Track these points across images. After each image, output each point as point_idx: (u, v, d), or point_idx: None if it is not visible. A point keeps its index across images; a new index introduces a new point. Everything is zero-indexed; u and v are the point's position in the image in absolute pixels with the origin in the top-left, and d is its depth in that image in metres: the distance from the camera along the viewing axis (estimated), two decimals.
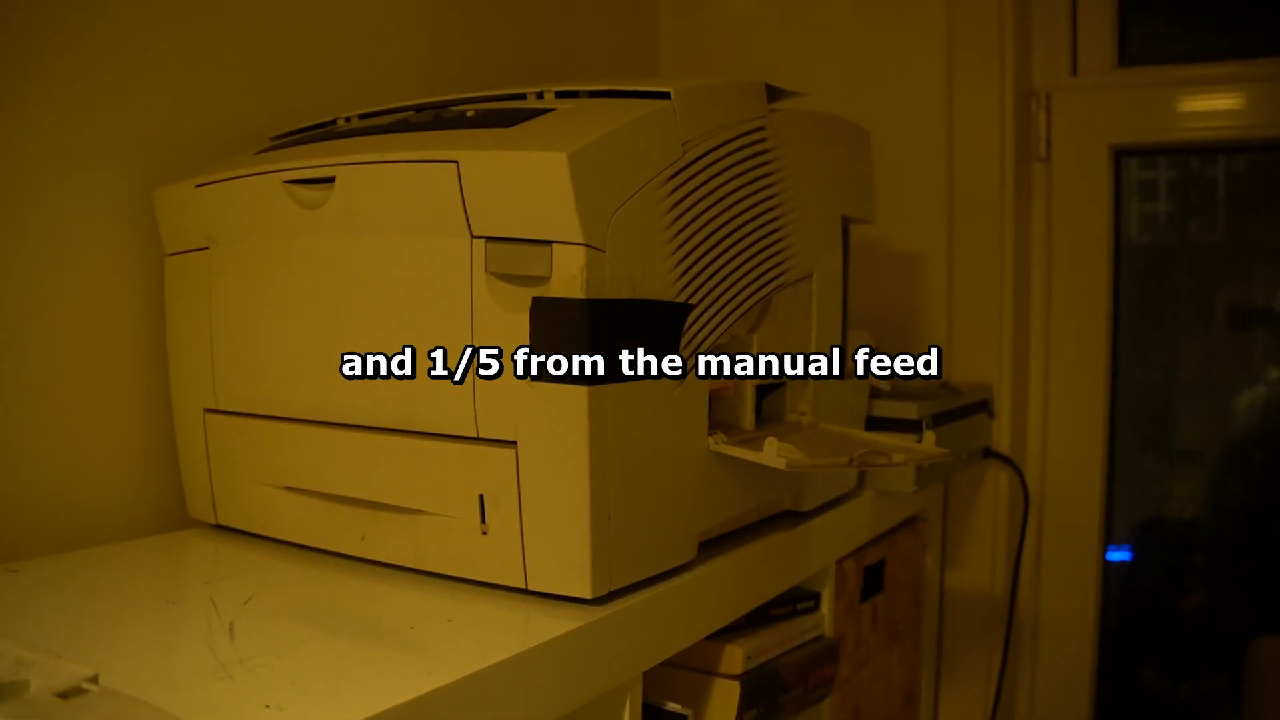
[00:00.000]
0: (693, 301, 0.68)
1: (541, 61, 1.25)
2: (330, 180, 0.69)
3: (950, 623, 1.28)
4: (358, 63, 1.02)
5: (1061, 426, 1.26)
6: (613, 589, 0.64)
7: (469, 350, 0.64)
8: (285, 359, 0.74)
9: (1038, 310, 1.26)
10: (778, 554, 0.83)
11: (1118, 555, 1.37)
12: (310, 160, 0.71)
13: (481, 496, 0.65)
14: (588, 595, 0.63)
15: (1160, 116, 1.20)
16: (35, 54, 0.77)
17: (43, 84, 0.78)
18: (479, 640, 0.59)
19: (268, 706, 0.48)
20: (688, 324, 0.68)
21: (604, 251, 0.61)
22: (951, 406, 1.07)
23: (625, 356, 0.63)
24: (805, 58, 1.33)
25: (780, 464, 0.68)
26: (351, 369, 0.70)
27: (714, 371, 0.71)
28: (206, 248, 0.79)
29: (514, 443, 0.63)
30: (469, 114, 0.72)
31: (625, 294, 0.63)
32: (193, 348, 0.81)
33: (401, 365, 0.67)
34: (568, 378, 0.61)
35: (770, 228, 0.77)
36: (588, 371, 0.60)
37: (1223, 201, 1.34)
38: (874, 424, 1.00)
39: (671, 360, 0.67)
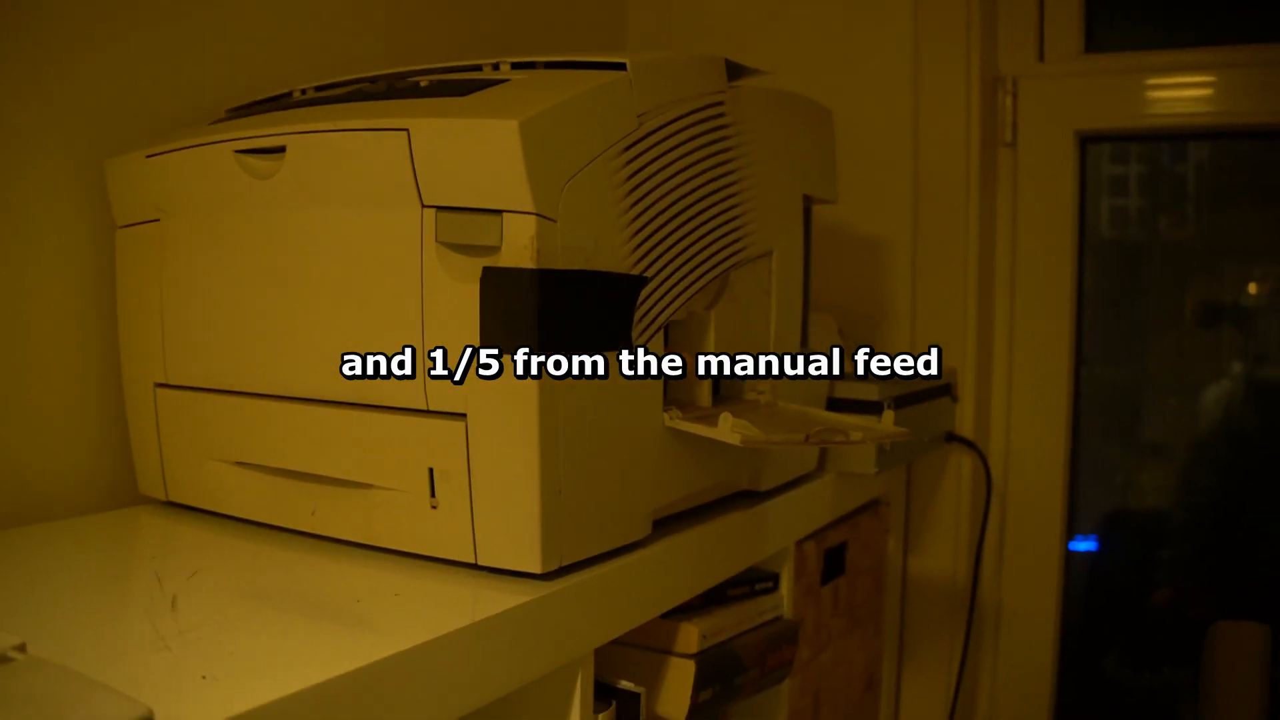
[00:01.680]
0: (648, 275, 0.68)
1: (505, 39, 1.23)
2: (281, 150, 0.68)
3: (912, 609, 1.28)
4: (317, 36, 1.01)
5: (1024, 412, 1.26)
6: (563, 564, 0.64)
7: (420, 321, 0.63)
8: (236, 333, 0.73)
9: (1002, 295, 1.26)
10: (735, 533, 0.82)
11: (1084, 546, 1.37)
12: (261, 130, 0.70)
13: (431, 470, 0.64)
14: (537, 570, 0.62)
15: (1126, 103, 1.20)
16: None
17: None
18: (425, 614, 0.58)
19: (204, 677, 0.47)
20: (643, 297, 0.67)
21: (555, 221, 0.60)
22: (914, 389, 1.06)
23: (577, 329, 0.62)
24: (772, 40, 1.33)
25: (735, 439, 0.67)
26: (301, 342, 0.69)
27: (663, 351, 0.71)
28: (157, 220, 0.77)
29: (464, 415, 0.63)
30: (422, 84, 0.71)
31: (577, 264, 0.62)
32: (143, 321, 0.79)
33: (351, 339, 0.66)
34: (517, 348, 0.60)
35: (728, 203, 0.76)
36: (538, 342, 0.59)
37: (1192, 197, 1.35)
38: (835, 405, 1.00)
39: (624, 333, 0.66)
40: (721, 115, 0.75)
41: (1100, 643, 1.38)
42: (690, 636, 0.76)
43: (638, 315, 0.67)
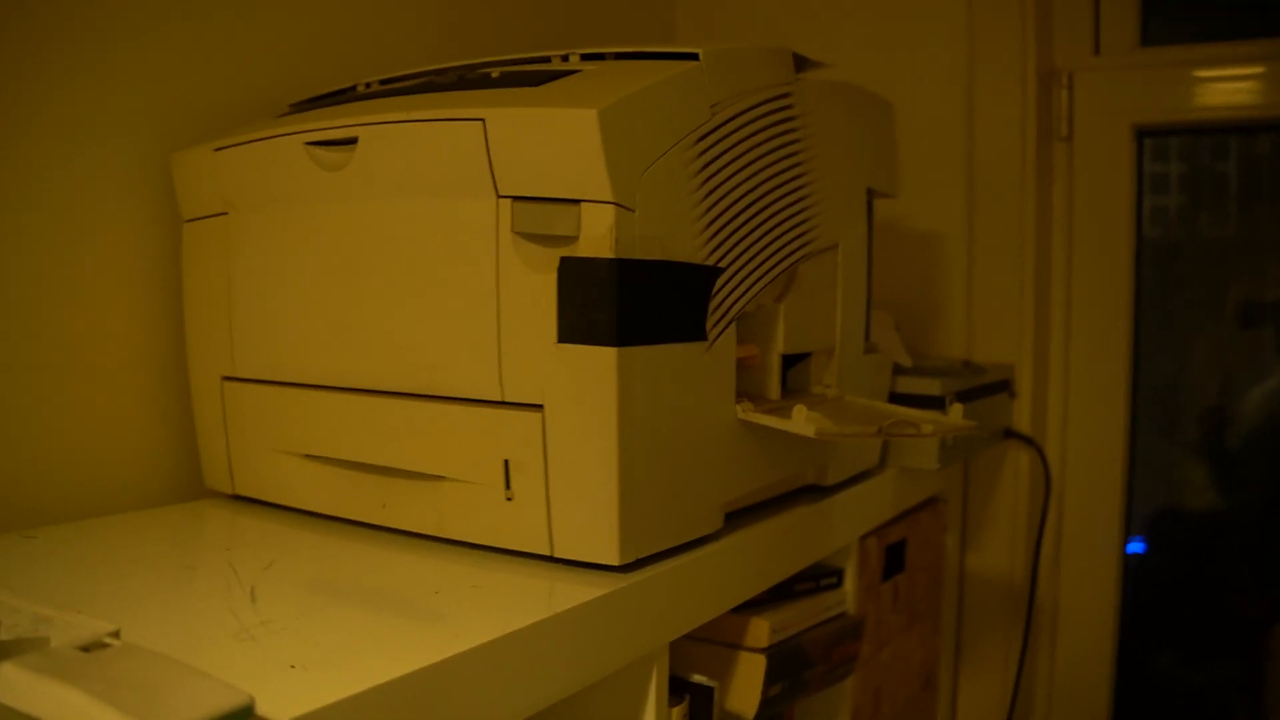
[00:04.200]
0: (722, 265, 0.67)
1: (558, 31, 1.23)
2: (353, 141, 0.68)
3: (970, 606, 1.27)
4: (378, 30, 1.01)
5: (1082, 409, 1.25)
6: (640, 557, 0.63)
7: (495, 312, 0.63)
8: (305, 325, 0.73)
9: (1058, 290, 1.25)
10: (803, 528, 0.82)
11: (1131, 547, 1.35)
12: (332, 121, 0.70)
13: (506, 462, 0.64)
14: (615, 562, 0.62)
15: (1182, 95, 1.18)
16: (53, 22, 0.76)
17: (60, 52, 0.77)
18: (503, 607, 0.57)
19: (293, 667, 0.47)
20: (717, 288, 0.67)
21: (633, 211, 0.60)
22: (974, 384, 1.05)
23: (655, 318, 0.62)
24: (825, 34, 1.32)
25: (809, 431, 0.67)
26: (373, 334, 0.69)
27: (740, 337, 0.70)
28: (225, 213, 0.78)
29: (540, 406, 0.62)
30: (494, 75, 0.71)
31: (654, 255, 0.61)
32: (210, 315, 0.80)
33: (425, 330, 0.66)
34: (596, 339, 0.60)
35: (797, 195, 0.75)
36: (617, 333, 0.59)
37: (1233, 195, 1.33)
38: (896, 400, 0.99)
39: (699, 324, 0.65)
40: (790, 107, 0.75)
41: (1155, 640, 1.36)
42: (761, 631, 0.76)
43: (711, 306, 0.67)
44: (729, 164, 0.68)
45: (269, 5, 0.91)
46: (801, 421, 0.67)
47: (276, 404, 0.76)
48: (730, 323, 0.69)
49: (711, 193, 0.66)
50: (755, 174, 0.70)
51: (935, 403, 0.98)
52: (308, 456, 0.75)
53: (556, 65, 0.71)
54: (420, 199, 0.66)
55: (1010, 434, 1.20)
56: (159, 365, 0.85)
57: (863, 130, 0.88)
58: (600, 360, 0.60)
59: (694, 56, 0.66)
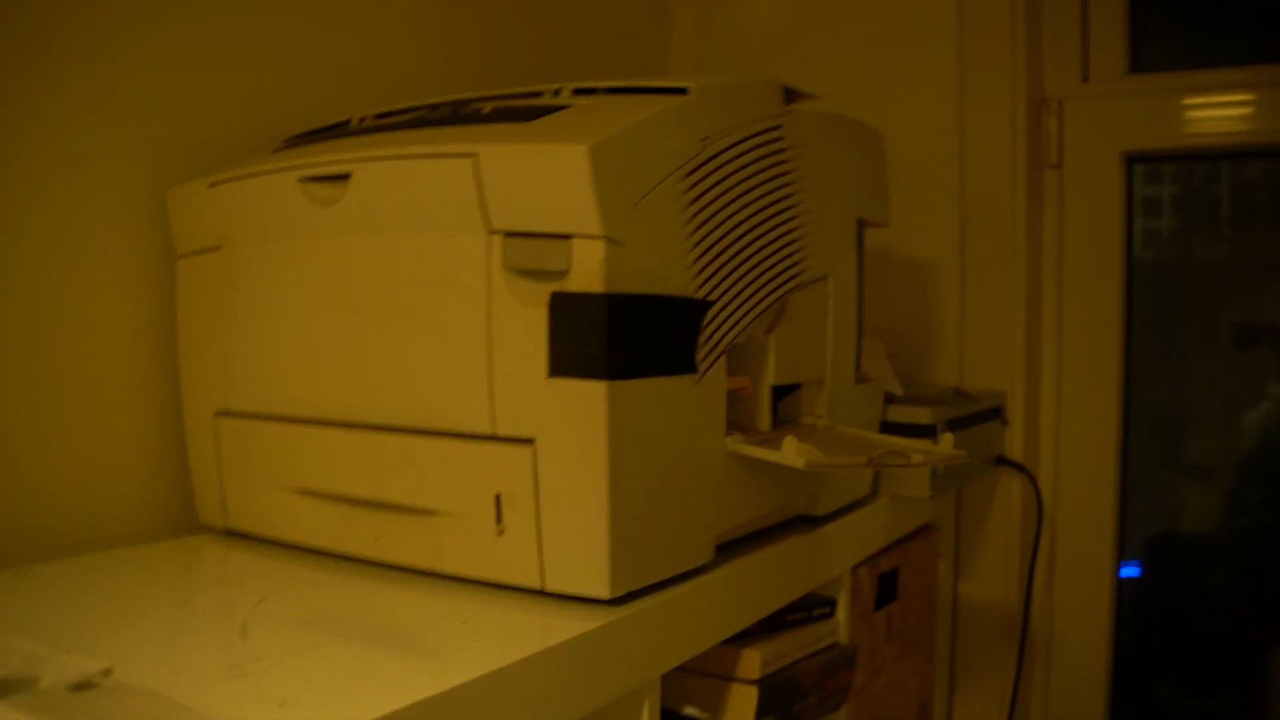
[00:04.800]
0: (712, 298, 0.68)
1: (555, 65, 1.24)
2: (346, 177, 0.69)
3: (964, 634, 1.27)
4: (376, 65, 1.02)
5: (1074, 435, 1.25)
6: (631, 590, 0.63)
7: (487, 346, 0.63)
8: (299, 360, 0.73)
9: (1049, 317, 1.25)
10: (795, 558, 0.82)
11: (1126, 571, 1.35)
12: (325, 157, 0.70)
13: (498, 496, 0.64)
14: (606, 595, 0.62)
15: (1172, 122, 1.19)
16: (47, 53, 0.77)
17: (55, 83, 0.78)
18: (495, 641, 0.58)
19: (283, 704, 0.47)
20: (707, 320, 0.67)
21: (624, 245, 0.60)
22: (966, 412, 1.06)
23: (646, 351, 0.62)
24: (816, 65, 1.33)
25: (799, 463, 0.67)
26: (366, 369, 0.69)
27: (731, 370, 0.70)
28: (219, 248, 0.78)
29: (532, 440, 0.63)
30: (485, 110, 0.71)
31: (645, 288, 0.62)
32: (204, 350, 0.80)
33: (417, 365, 0.67)
34: (587, 373, 0.60)
35: (787, 227, 0.76)
36: (608, 366, 0.59)
37: (1227, 218, 1.34)
38: (887, 429, 0.99)
39: (690, 356, 0.66)
40: (780, 139, 0.75)
41: (1151, 668, 1.36)
42: (752, 662, 0.76)
43: (702, 339, 0.67)
44: (719, 197, 0.68)
45: (267, 40, 0.92)
46: (792, 453, 0.67)
47: (271, 439, 0.76)
48: (721, 355, 0.69)
49: (702, 225, 0.66)
50: (746, 206, 0.71)
51: (926, 431, 0.98)
52: (302, 491, 0.75)
53: (548, 100, 0.72)
54: (413, 234, 0.66)
55: (1003, 461, 1.20)
56: (152, 400, 0.85)
57: (853, 161, 0.88)
58: (591, 393, 0.60)
59: (684, 91, 0.67)
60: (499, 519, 0.65)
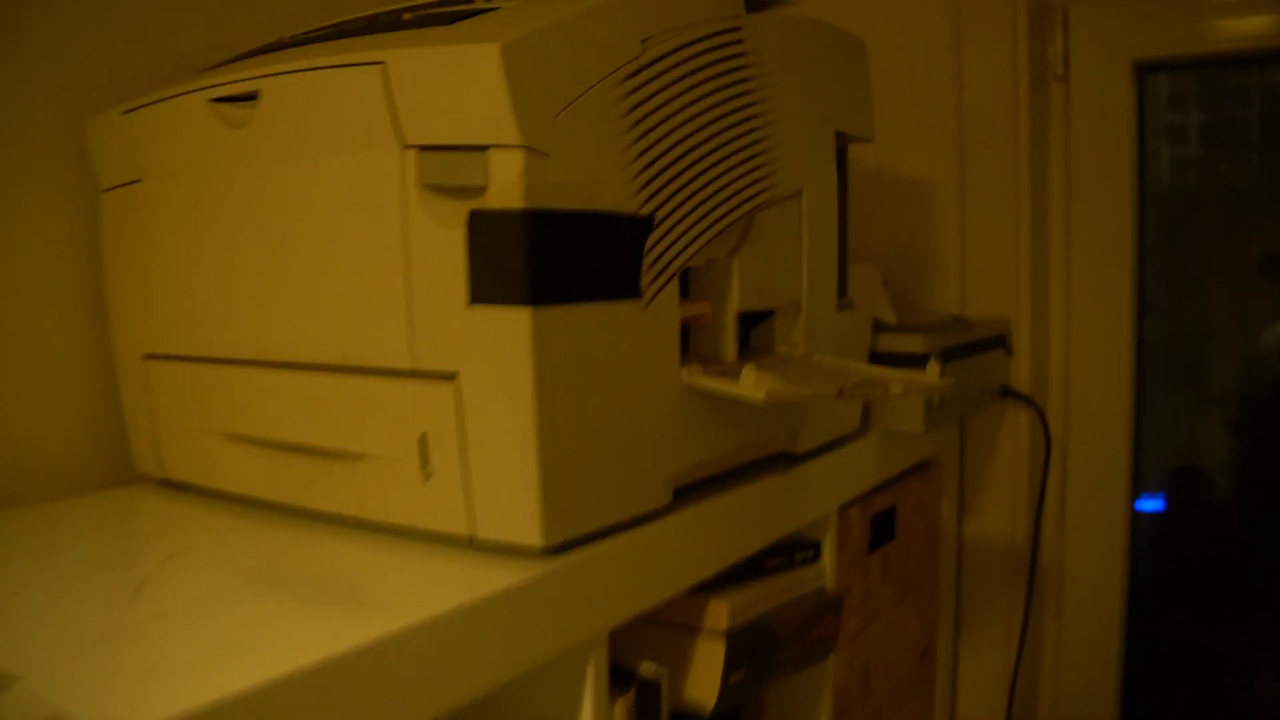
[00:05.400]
0: (660, 216, 0.61)
1: None
2: (254, 96, 0.63)
3: (969, 573, 1.21)
4: None
5: (1085, 364, 1.18)
6: (569, 539, 0.58)
7: (405, 273, 0.58)
8: (221, 298, 0.68)
9: (1057, 240, 1.18)
10: (769, 500, 0.76)
11: (1150, 505, 1.29)
12: (234, 75, 0.64)
13: (423, 437, 0.59)
14: (539, 545, 0.56)
15: (1187, 28, 1.11)
16: None
17: None
18: (418, 594, 0.53)
19: (145, 677, 0.42)
20: (653, 241, 0.61)
21: (547, 156, 0.54)
22: (962, 341, 0.99)
23: (578, 274, 0.56)
24: None
25: (758, 396, 0.61)
26: (287, 304, 0.63)
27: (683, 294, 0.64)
28: (139, 180, 0.72)
29: (455, 375, 0.57)
30: (406, 17, 0.65)
31: (575, 204, 0.56)
32: (130, 290, 0.75)
33: (337, 297, 0.61)
34: (508, 299, 0.54)
35: (749, 139, 0.69)
36: (530, 291, 0.54)
37: (1255, 143, 1.25)
38: (877, 359, 0.93)
39: (632, 280, 0.60)
40: (738, 43, 0.68)
41: (1170, 604, 1.30)
42: (720, 613, 0.70)
43: (647, 261, 0.61)
44: (665, 104, 0.62)
45: None
46: (750, 385, 0.62)
47: (199, 382, 0.71)
48: (671, 278, 0.63)
49: (645, 135, 0.60)
50: (697, 115, 0.64)
51: (919, 361, 0.92)
52: (231, 437, 0.70)
53: (479, 4, 0.66)
54: (326, 154, 0.60)
55: (1008, 392, 1.14)
56: (85, 344, 0.80)
57: (829, 70, 0.81)
58: (514, 322, 0.54)
59: None
60: (424, 462, 0.59)
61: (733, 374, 0.65)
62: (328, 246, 0.61)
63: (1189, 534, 1.32)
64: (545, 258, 0.54)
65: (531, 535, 0.56)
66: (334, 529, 0.64)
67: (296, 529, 0.65)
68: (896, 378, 0.72)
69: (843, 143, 0.87)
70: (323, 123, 0.60)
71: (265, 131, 0.63)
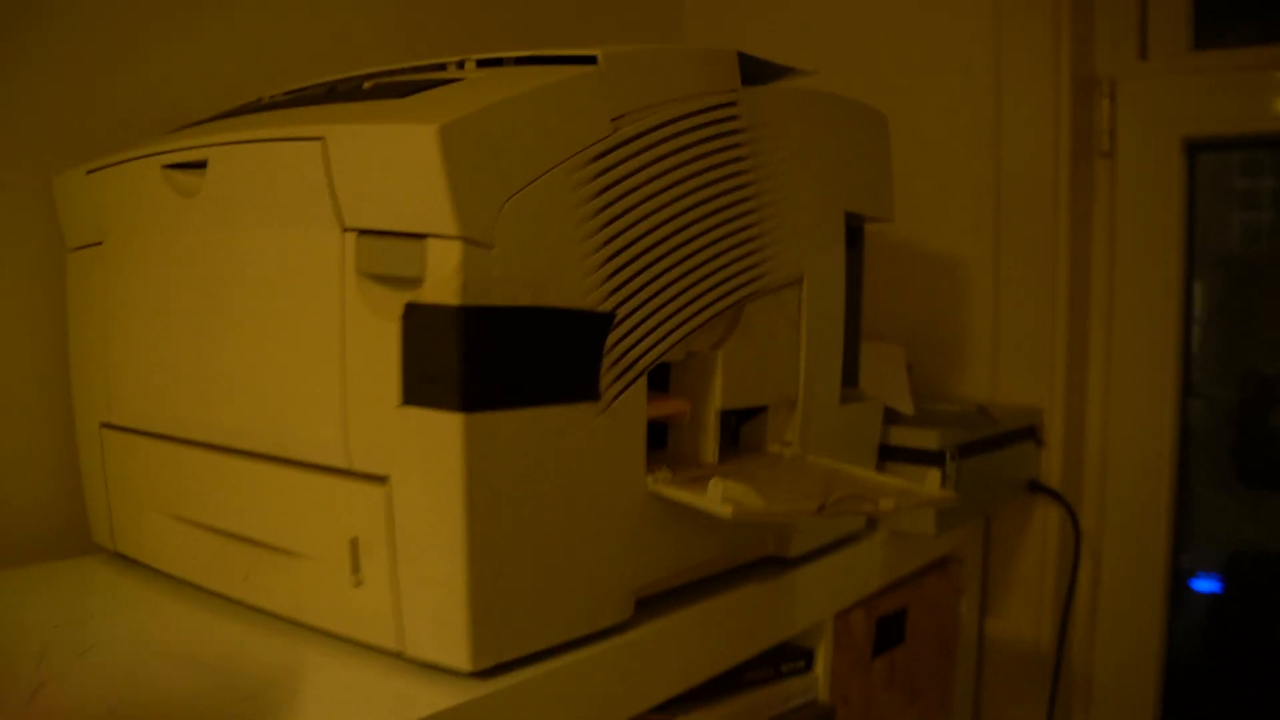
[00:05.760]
0: (625, 311, 0.56)
1: (548, 37, 1.14)
2: (203, 164, 0.59)
3: (990, 676, 1.13)
4: (321, 36, 0.93)
5: (1123, 458, 1.10)
6: (504, 659, 0.53)
7: (341, 365, 0.53)
8: (171, 371, 0.64)
9: (1098, 324, 1.11)
10: (753, 608, 0.70)
11: (1206, 586, 1.21)
12: (187, 141, 0.61)
13: (354, 541, 0.54)
14: (467, 668, 0.51)
15: (1240, 104, 1.04)
16: None
17: None
18: (341, 709, 0.48)
19: None
20: (616, 338, 0.56)
21: (490, 248, 0.49)
22: (984, 435, 0.93)
23: (522, 377, 0.51)
24: (838, 41, 1.20)
25: (724, 512, 0.56)
26: (229, 385, 0.59)
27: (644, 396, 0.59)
28: (101, 242, 0.69)
29: (386, 478, 0.52)
30: (366, 86, 0.61)
31: (522, 300, 0.51)
32: (91, 354, 0.71)
33: (275, 382, 0.57)
34: (439, 402, 0.49)
35: (738, 224, 0.64)
36: (463, 395, 0.49)
37: None
38: (890, 454, 0.87)
39: (589, 381, 0.55)
40: (731, 120, 0.64)
41: (1217, 689, 1.20)
42: None
43: (608, 360, 0.56)
44: (637, 189, 0.57)
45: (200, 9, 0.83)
46: (716, 499, 0.56)
47: (149, 456, 0.68)
48: (637, 378, 0.58)
49: (611, 223, 0.55)
50: (676, 200, 0.59)
51: (933, 458, 0.86)
52: (177, 517, 0.66)
53: (445, 74, 0.61)
54: (268, 229, 0.56)
55: (1037, 487, 1.07)
56: (52, 409, 0.76)
57: (839, 146, 0.76)
58: (444, 428, 0.49)
59: (591, 61, 0.56)
60: (355, 568, 0.55)
61: (704, 481, 0.59)
62: (266, 327, 0.57)
63: (1244, 618, 1.23)
64: (483, 359, 0.49)
65: (459, 657, 0.51)
66: (273, 626, 0.60)
67: (237, 621, 0.61)
68: (891, 489, 0.66)
69: (857, 223, 0.81)
70: (266, 196, 0.56)
71: (213, 201, 0.59)
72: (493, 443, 0.50)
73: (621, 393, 0.57)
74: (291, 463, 0.57)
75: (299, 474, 0.57)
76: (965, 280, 1.13)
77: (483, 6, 1.08)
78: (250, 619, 0.61)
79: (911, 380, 1.07)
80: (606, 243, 0.55)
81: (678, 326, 0.60)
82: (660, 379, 0.67)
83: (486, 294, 0.49)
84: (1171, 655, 1.14)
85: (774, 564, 0.75)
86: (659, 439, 0.68)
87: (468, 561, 0.50)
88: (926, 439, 0.86)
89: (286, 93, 0.72)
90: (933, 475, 0.69)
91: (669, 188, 0.59)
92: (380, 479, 0.52)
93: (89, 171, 0.68)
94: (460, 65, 0.63)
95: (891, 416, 0.88)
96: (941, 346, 1.14)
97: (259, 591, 0.61)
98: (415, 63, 0.66)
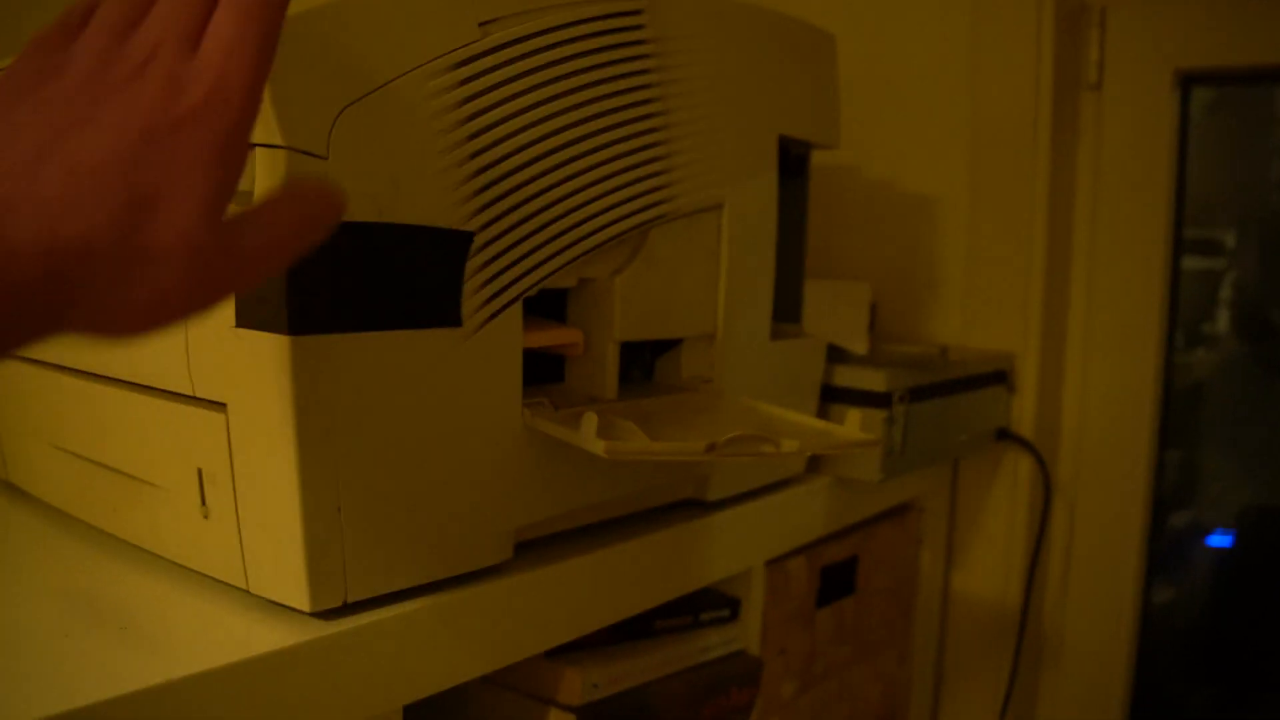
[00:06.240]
0: (493, 233, 0.53)
1: None
2: None
3: (955, 632, 1.09)
4: None
5: (1103, 406, 1.05)
6: (353, 600, 0.50)
7: None
8: None
9: (1080, 269, 1.05)
10: (660, 554, 0.67)
11: (1220, 540, 1.15)
12: None
13: (199, 470, 0.51)
14: (305, 607, 0.48)
15: (1237, 33, 0.97)
16: None
17: None
18: (166, 650, 0.45)
19: None
20: (484, 260, 0.52)
21: (324, 158, 0.45)
22: (940, 379, 0.88)
23: (362, 298, 0.48)
24: None
25: (597, 448, 0.52)
26: None
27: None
28: None
29: (224, 405, 0.49)
30: None
31: (363, 216, 0.47)
32: None
33: None
34: (266, 324, 0.46)
35: (635, 144, 0.60)
36: (289, 316, 0.45)
37: None
38: (836, 395, 0.83)
39: (448, 305, 0.51)
40: (633, 30, 0.59)
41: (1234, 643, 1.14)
42: (573, 684, 0.62)
43: (475, 284, 0.52)
44: (507, 100, 0.53)
45: None
46: (590, 436, 0.52)
47: (32, 383, 0.65)
48: (511, 303, 0.54)
49: (476, 135, 0.51)
50: (556, 115, 0.55)
51: (881, 400, 0.81)
52: (57, 447, 0.63)
53: None
54: None
55: (1005, 435, 1.02)
56: None
57: (772, 65, 0.71)
58: (273, 351, 0.46)
59: None
60: (203, 500, 0.52)
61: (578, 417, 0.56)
62: None
63: (1258, 574, 1.17)
64: (313, 278, 0.46)
65: (298, 596, 0.48)
66: (136, 558, 0.57)
67: (103, 552, 0.59)
68: (805, 430, 0.62)
69: (799, 149, 0.77)
70: None
71: None
72: (326, 367, 0.47)
73: (490, 319, 0.53)
74: (145, 388, 0.54)
75: (151, 401, 0.54)
76: (938, 219, 1.08)
77: None
78: (127, 553, 0.59)
79: (876, 321, 1.03)
80: (470, 157, 0.51)
81: (560, 251, 0.56)
82: (559, 307, 0.63)
83: None
84: (1149, 618, 1.09)
85: (694, 507, 0.71)
86: (556, 372, 0.64)
87: (300, 495, 0.47)
88: (873, 380, 0.81)
89: None
90: (852, 415, 0.65)
91: (548, 100, 0.55)
92: (220, 405, 0.49)
93: None
94: None
95: (836, 357, 0.84)
96: (911, 287, 1.09)
97: (124, 523, 0.59)
98: None
